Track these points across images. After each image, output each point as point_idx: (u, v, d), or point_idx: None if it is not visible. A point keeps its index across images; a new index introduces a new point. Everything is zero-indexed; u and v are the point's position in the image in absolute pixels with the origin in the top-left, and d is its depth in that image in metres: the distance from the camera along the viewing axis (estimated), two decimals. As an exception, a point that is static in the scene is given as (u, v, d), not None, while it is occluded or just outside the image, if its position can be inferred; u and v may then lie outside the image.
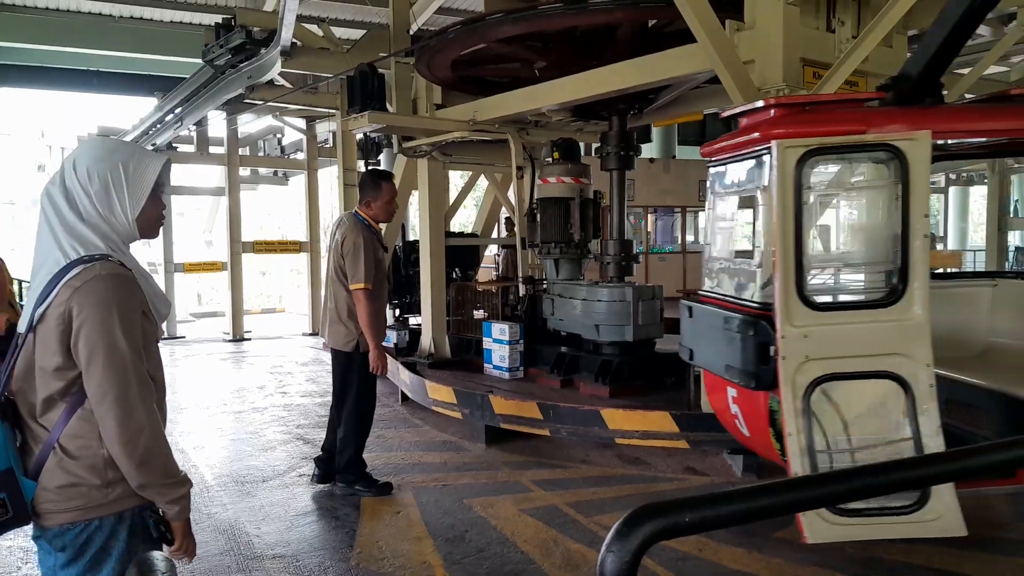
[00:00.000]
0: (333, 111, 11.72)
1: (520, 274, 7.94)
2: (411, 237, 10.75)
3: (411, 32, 9.48)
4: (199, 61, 12.04)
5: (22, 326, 1.79)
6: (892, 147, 3.26)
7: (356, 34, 14.14)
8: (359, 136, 9.96)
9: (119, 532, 1.81)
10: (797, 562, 3.72)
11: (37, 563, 1.87)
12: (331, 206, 18.29)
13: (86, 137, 2.82)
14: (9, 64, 18.01)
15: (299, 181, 16.44)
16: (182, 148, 15.16)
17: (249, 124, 15.78)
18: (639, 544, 1.24)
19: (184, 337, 14.09)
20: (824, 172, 3.78)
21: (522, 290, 7.82)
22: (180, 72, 15.58)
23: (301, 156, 15.51)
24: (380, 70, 8.15)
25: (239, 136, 14.98)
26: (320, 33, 10.08)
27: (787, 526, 4.02)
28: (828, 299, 3.57)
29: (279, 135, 16.87)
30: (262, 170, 17.56)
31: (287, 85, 11.26)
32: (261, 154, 16.53)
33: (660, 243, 17.65)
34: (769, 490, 1.31)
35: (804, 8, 5.78)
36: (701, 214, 22.02)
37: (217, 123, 14.67)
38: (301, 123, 14.89)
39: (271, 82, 10.69)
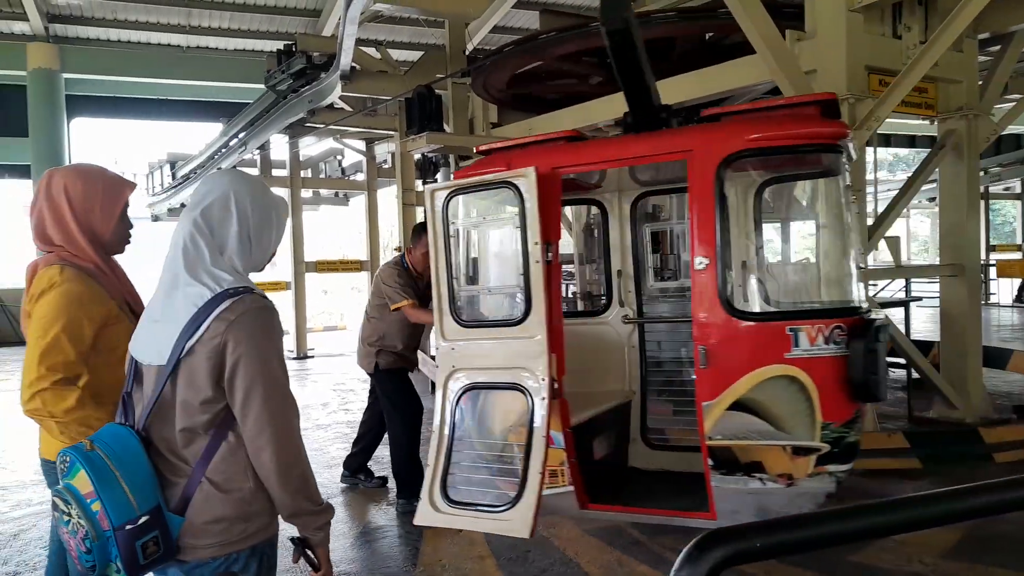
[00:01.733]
0: (392, 133, 11.91)
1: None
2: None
3: (467, 52, 9.60)
4: (262, 87, 12.43)
5: (152, 358, 1.75)
6: (510, 183, 3.51)
7: (413, 55, 14.43)
8: (417, 156, 10.10)
9: (251, 565, 1.81)
10: (873, 587, 3.58)
11: None
12: (391, 225, 18.61)
13: (220, 170, 3.02)
14: (83, 95, 18.90)
15: (359, 201, 16.74)
16: (246, 171, 15.58)
17: (310, 147, 16.15)
18: (709, 570, 1.20)
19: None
20: (481, 207, 4.24)
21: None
22: (244, 98, 16.12)
23: (361, 177, 15.80)
24: (437, 91, 8.27)
25: (301, 159, 15.34)
26: (378, 56, 10.30)
27: (861, 550, 3.88)
28: (471, 318, 3.88)
29: (339, 157, 17.20)
30: (323, 191, 17.97)
31: (347, 108, 11.51)
32: (322, 176, 16.89)
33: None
34: (844, 515, 1.27)
35: (868, 15, 5.64)
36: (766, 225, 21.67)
37: (279, 147, 15.07)
38: (361, 145, 15.18)
39: (331, 105, 10.94)
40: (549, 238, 3.50)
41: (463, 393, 3.64)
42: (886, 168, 29.60)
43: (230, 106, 17.20)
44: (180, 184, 16.52)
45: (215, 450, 1.75)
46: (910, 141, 24.62)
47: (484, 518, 3.45)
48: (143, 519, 1.64)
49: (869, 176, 6.58)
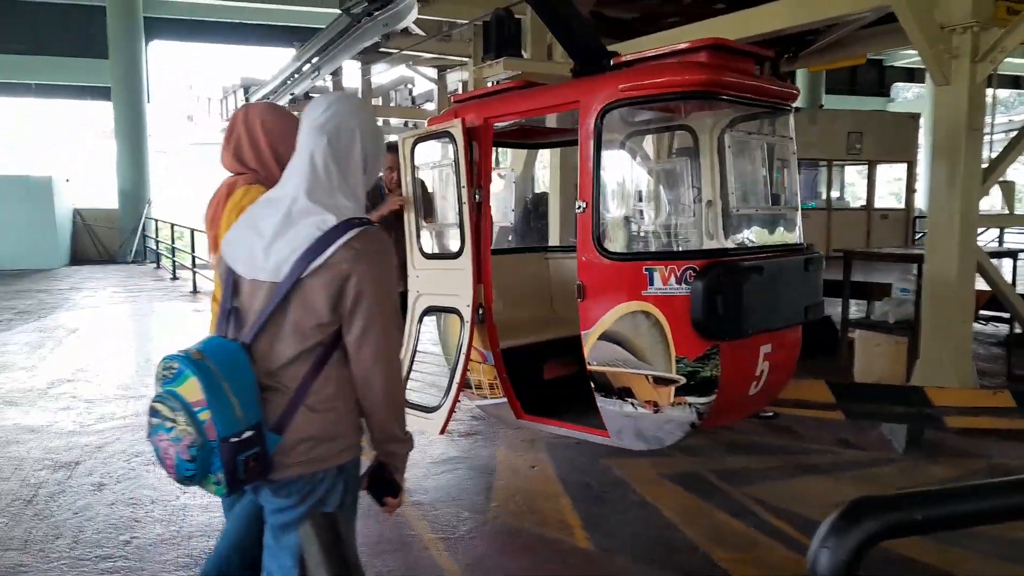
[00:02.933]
0: (466, 59, 11.59)
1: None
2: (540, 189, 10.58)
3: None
4: (335, 11, 12.20)
5: (261, 274, 1.76)
6: (448, 133, 4.04)
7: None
8: (491, 83, 9.79)
9: (337, 485, 1.82)
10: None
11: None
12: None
13: (343, 93, 3.15)
14: (160, 18, 19.03)
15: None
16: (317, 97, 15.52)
17: (381, 75, 15.94)
18: (860, 542, 1.07)
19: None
20: (437, 154, 4.65)
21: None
22: (317, 23, 15.92)
23: (431, 107, 15.55)
24: (516, 15, 7.91)
25: (372, 87, 15.16)
26: (456, -22, 9.92)
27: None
28: (429, 251, 4.46)
29: (410, 86, 16.95)
30: (393, 120, 17.82)
31: (421, 33, 11.20)
32: (392, 105, 16.70)
33: (803, 199, 16.67)
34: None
35: (1004, -70, 5.08)
36: (848, 168, 20.75)
37: (351, 73, 14.91)
38: (432, 73, 14.90)
39: (406, 30, 10.66)
40: (480, 182, 4.04)
41: (424, 314, 4.33)
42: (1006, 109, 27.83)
43: (303, 31, 17.07)
44: (253, 109, 16.57)
45: (317, 373, 1.76)
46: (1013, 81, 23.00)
47: (417, 415, 4.16)
48: (247, 433, 1.65)
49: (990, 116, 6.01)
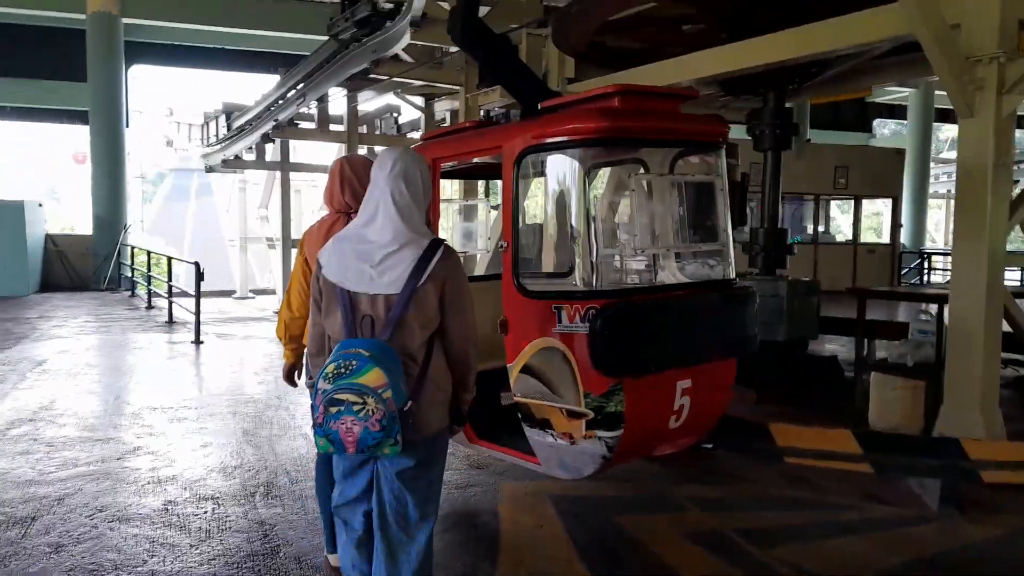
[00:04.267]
0: (456, 87, 11.33)
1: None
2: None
3: (543, 1, 8.96)
4: (321, 37, 11.95)
5: (381, 289, 2.35)
6: None
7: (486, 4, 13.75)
8: (484, 113, 9.53)
9: (445, 434, 2.56)
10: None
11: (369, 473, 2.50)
12: (448, 184, 18.10)
13: (401, 149, 3.35)
14: (141, 42, 18.68)
15: (414, 160, 16.21)
16: (303, 125, 15.21)
17: (366, 103, 15.68)
18: None
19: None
20: None
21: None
22: (302, 50, 15.65)
23: (418, 136, 15.27)
24: (514, 43, 7.65)
25: (357, 115, 14.87)
26: (447, 5, 9.68)
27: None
28: None
29: (395, 114, 16.68)
30: (378, 149, 17.52)
31: (411, 60, 10.94)
32: (378, 133, 16.40)
33: (790, 233, 16.49)
34: None
35: (1031, -43, 4.89)
36: (835, 203, 20.75)
37: (337, 101, 14.62)
38: (420, 101, 14.64)
39: (395, 57, 10.40)
40: (428, 217, 4.32)
41: None
42: None
43: (288, 58, 16.80)
44: (235, 136, 16.19)
45: (431, 356, 2.42)
46: None
47: None
48: (409, 403, 2.28)
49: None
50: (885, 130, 32.91)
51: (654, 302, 3.78)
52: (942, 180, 30.54)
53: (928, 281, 21.98)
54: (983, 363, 4.99)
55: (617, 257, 4.40)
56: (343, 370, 2.16)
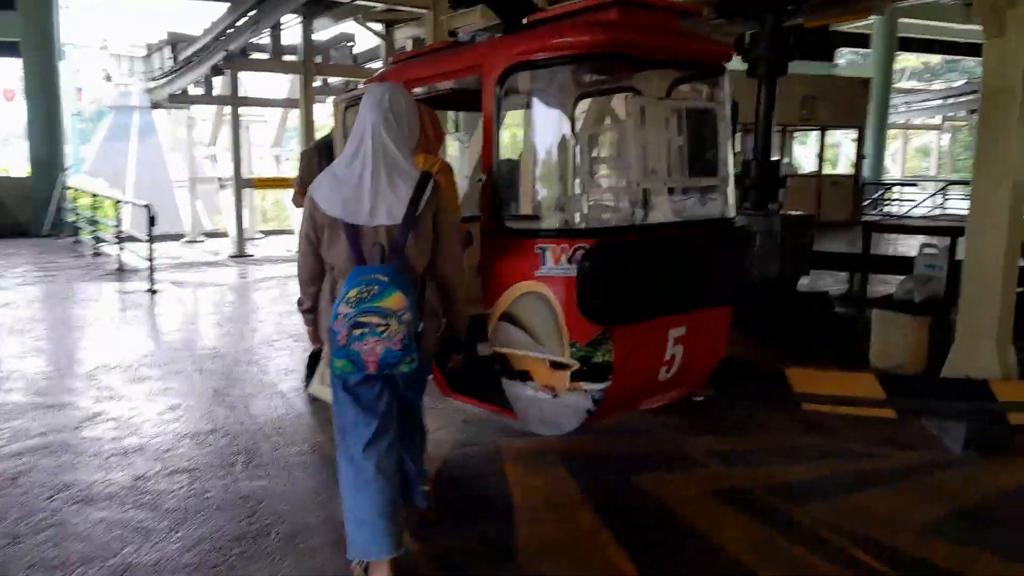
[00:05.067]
0: (423, 10, 10.60)
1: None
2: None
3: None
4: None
5: (382, 219, 2.48)
6: None
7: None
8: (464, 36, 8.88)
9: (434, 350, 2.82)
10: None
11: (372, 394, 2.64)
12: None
13: (388, 84, 2.92)
14: (73, -34, 17.28)
15: (373, 93, 15.42)
16: (254, 56, 14.29)
17: (320, 32, 14.77)
18: None
19: (253, 255, 13.47)
20: None
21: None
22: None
23: (377, 66, 14.47)
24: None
25: (312, 45, 13.99)
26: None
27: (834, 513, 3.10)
28: None
29: (350, 44, 15.80)
30: (332, 80, 16.61)
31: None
32: (332, 63, 15.50)
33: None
34: None
35: None
36: (802, 134, 20.49)
37: (290, 31, 13.72)
38: (379, 29, 13.81)
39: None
40: None
41: None
42: None
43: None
44: (182, 68, 15.18)
45: (425, 282, 2.63)
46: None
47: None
48: (422, 324, 2.53)
49: None
50: (841, 60, 32.68)
51: (648, 242, 3.49)
52: (900, 110, 30.58)
53: (888, 212, 22.10)
54: (1000, 301, 4.76)
55: (608, 192, 4.09)
56: (365, 295, 2.30)
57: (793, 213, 7.09)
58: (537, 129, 3.89)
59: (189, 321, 7.94)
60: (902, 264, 5.97)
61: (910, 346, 5.39)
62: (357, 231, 2.46)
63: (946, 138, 34.63)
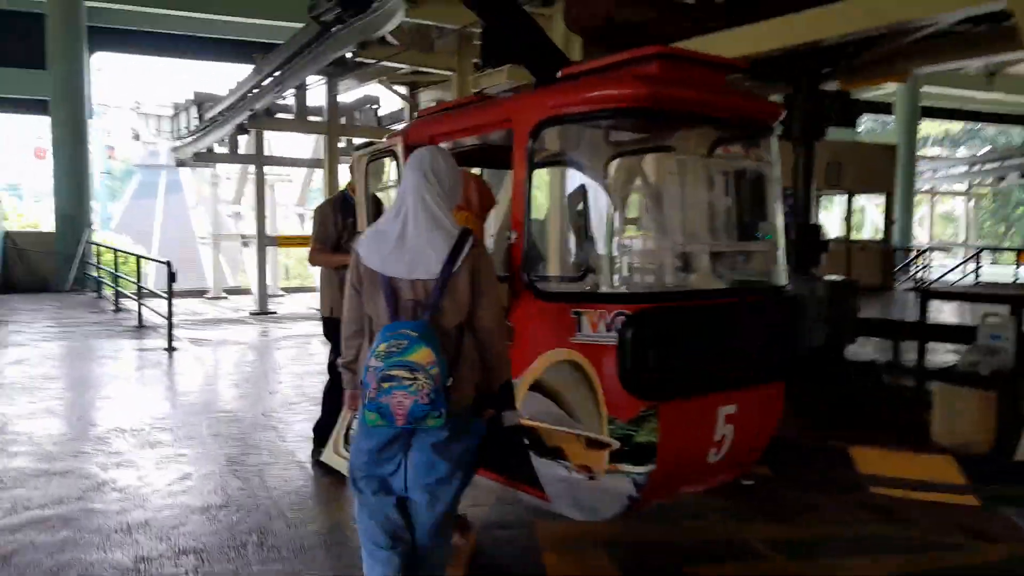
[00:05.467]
0: (448, 73, 10.59)
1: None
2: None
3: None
4: (298, 25, 11.16)
5: (420, 274, 2.50)
6: (391, 151, 3.92)
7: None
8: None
9: (472, 412, 2.63)
10: None
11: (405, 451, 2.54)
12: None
13: (431, 147, 2.92)
14: (105, 27, 17.63)
15: (397, 154, 15.45)
16: (279, 115, 14.38)
17: (346, 93, 14.90)
18: None
19: (275, 313, 13.29)
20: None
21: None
22: (276, 38, 14.82)
23: (400, 128, 14.51)
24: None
25: (337, 106, 14.08)
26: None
27: None
28: None
29: (375, 106, 15.92)
30: (356, 141, 16.69)
31: (396, 43, 10.17)
32: (357, 125, 15.58)
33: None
34: None
35: None
36: (825, 199, 20.26)
37: (315, 92, 13.82)
38: (403, 91, 13.90)
39: (383, 40, 9.64)
40: None
41: None
42: None
43: (261, 46, 15.89)
44: (208, 127, 15.29)
45: (463, 337, 2.56)
46: None
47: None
48: (451, 379, 2.43)
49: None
50: (860, 127, 32.76)
51: (698, 310, 3.18)
52: (925, 176, 30.43)
53: (921, 278, 21.68)
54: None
55: (651, 255, 3.75)
56: (394, 349, 2.36)
57: (836, 278, 6.79)
58: (573, 186, 3.67)
59: (207, 381, 7.66)
60: (962, 333, 5.60)
61: (976, 422, 4.99)
62: (394, 285, 2.52)
63: (971, 204, 34.36)
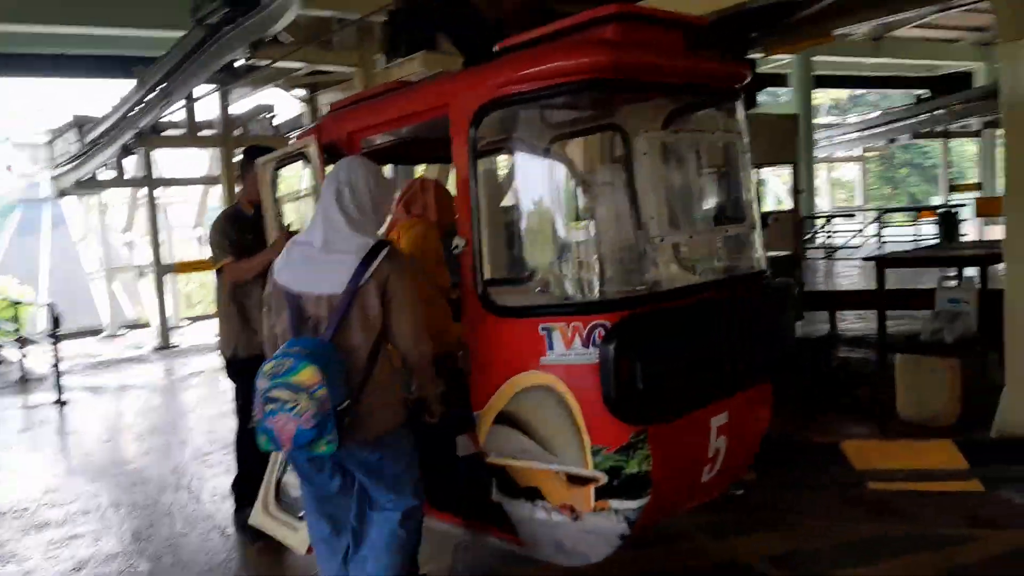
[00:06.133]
0: (349, 69, 9.89)
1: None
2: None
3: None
4: (182, 33, 10.27)
5: (325, 289, 2.41)
6: (302, 153, 3.50)
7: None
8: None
9: (399, 431, 2.56)
10: None
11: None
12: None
13: (348, 158, 2.38)
14: (-38, 51, 16.05)
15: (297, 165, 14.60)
16: (168, 132, 13.34)
17: (240, 102, 13.96)
18: None
19: (178, 346, 12.24)
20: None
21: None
22: (161, 50, 13.74)
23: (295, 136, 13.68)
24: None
25: (229, 117, 13.15)
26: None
27: None
28: None
29: (271, 115, 15.01)
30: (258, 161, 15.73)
31: (292, 40, 9.40)
32: (253, 135, 14.63)
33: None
34: None
35: None
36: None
37: (206, 105, 12.86)
38: (302, 94, 13.09)
39: (275, 39, 8.88)
40: None
41: None
42: None
43: (143, 60, 14.74)
44: (89, 151, 14.05)
45: (376, 356, 2.45)
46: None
47: (293, 527, 3.37)
48: (346, 403, 2.30)
49: None
50: (762, 97, 33.53)
51: (684, 311, 2.79)
52: (822, 144, 31.35)
53: (829, 244, 22.24)
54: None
55: (626, 251, 3.27)
56: (279, 369, 2.25)
57: (778, 253, 6.52)
58: (527, 177, 3.16)
59: (105, 438, 6.74)
60: (924, 298, 5.35)
61: (944, 393, 4.75)
62: (299, 302, 2.44)
63: (862, 169, 35.65)
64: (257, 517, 3.69)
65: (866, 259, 5.57)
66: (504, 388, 2.77)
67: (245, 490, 4.03)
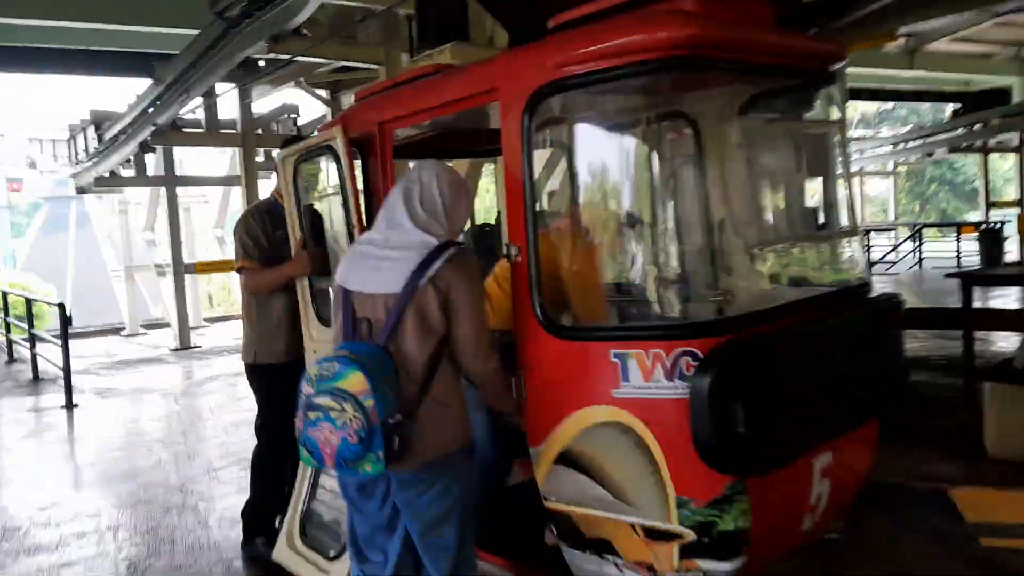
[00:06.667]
0: (375, 66, 9.51)
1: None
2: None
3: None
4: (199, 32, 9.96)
5: (382, 286, 2.16)
6: (328, 147, 3.05)
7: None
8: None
9: (457, 457, 2.21)
10: None
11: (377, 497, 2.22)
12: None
13: (426, 161, 2.11)
14: (-14, 44, 15.91)
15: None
16: (188, 130, 13.04)
17: (260, 101, 13.67)
18: None
19: (198, 347, 11.91)
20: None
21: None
22: (179, 48, 13.48)
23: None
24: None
25: (252, 116, 12.87)
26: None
27: None
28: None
29: (293, 115, 14.72)
30: (275, 154, 15.43)
31: (309, 36, 9.06)
32: (276, 134, 14.34)
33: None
34: None
35: None
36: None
37: (226, 102, 12.56)
38: (324, 95, 12.76)
39: (297, 31, 8.51)
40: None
41: None
42: None
43: (162, 57, 14.51)
44: (108, 148, 13.79)
45: (435, 367, 2.16)
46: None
47: (318, 566, 3.10)
48: (398, 416, 2.03)
49: None
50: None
51: (791, 335, 2.34)
52: (853, 158, 30.74)
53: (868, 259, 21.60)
54: None
55: (717, 264, 2.86)
56: (325, 373, 2.04)
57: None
58: (597, 175, 2.72)
59: (112, 447, 6.33)
60: (1016, 321, 4.83)
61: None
62: (353, 301, 2.24)
63: (894, 184, 34.94)
64: (281, 552, 3.31)
65: (949, 275, 5.09)
66: (568, 423, 2.38)
67: (257, 520, 3.62)
